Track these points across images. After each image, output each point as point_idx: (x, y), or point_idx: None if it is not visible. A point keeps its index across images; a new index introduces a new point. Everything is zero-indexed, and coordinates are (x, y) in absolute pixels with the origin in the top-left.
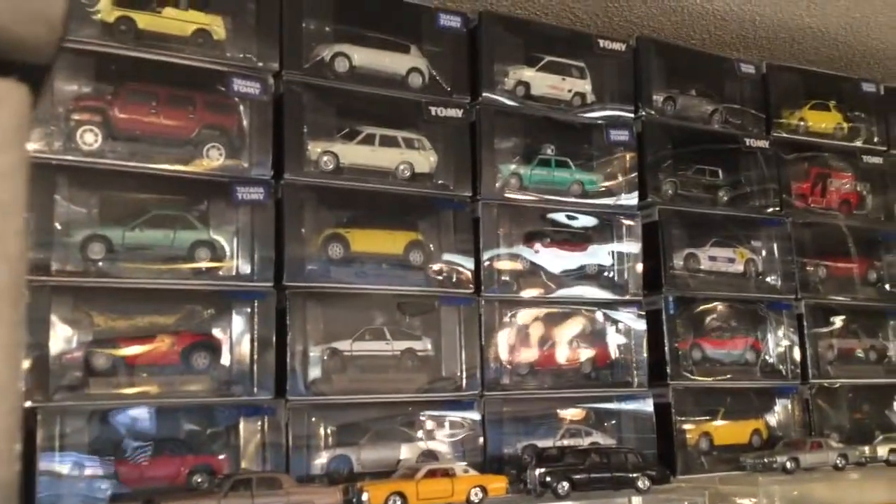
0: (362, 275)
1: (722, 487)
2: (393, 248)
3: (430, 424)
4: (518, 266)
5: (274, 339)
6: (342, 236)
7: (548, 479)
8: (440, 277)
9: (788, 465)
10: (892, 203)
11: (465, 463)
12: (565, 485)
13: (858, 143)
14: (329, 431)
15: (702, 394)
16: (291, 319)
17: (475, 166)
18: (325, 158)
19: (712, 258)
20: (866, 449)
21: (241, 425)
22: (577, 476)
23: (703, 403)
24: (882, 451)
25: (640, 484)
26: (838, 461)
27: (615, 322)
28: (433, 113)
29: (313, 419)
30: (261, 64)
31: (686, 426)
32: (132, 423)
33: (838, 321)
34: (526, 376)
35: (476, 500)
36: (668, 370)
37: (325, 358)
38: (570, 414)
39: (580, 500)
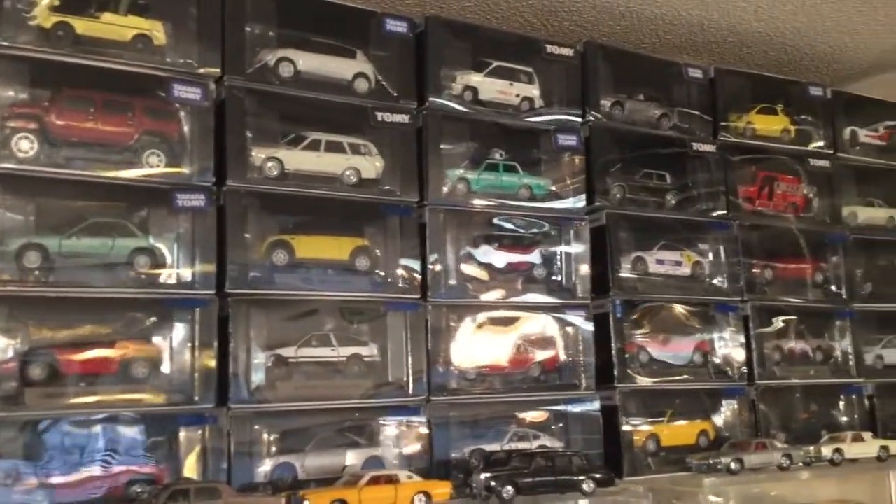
0: (308, 281)
1: (666, 489)
2: (339, 253)
3: (376, 430)
4: (465, 271)
5: (216, 346)
6: (287, 243)
7: (492, 483)
8: (387, 283)
9: (733, 465)
10: (838, 206)
11: (408, 470)
12: (510, 489)
13: (805, 147)
14: (273, 439)
15: (649, 396)
16: (234, 327)
17: (422, 171)
18: (269, 164)
19: (660, 261)
20: (811, 449)
21: (182, 434)
22: (522, 480)
23: (651, 405)
24: (826, 451)
25: (584, 486)
26: (783, 461)
27: (563, 325)
28: (379, 118)
29: (256, 427)
30: (202, 69)
31: (633, 428)
32: (69, 433)
33: (784, 322)
34: (474, 380)
35: None
36: (616, 373)
37: (270, 365)
38: (519, 417)
39: None
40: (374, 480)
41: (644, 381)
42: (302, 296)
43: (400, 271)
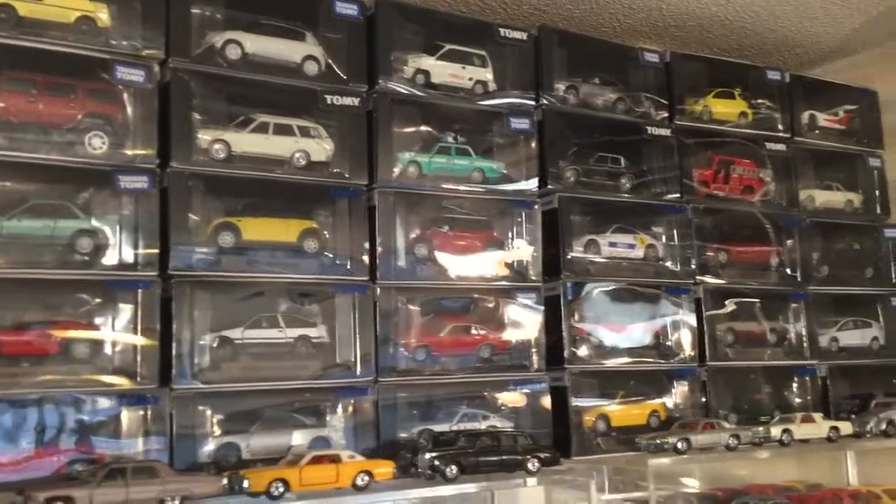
0: (255, 263)
1: (612, 468)
2: (287, 235)
3: (323, 411)
4: (416, 253)
5: (158, 328)
6: (233, 225)
7: (436, 462)
8: (335, 265)
9: (680, 445)
10: (795, 190)
11: (355, 450)
12: (454, 468)
13: (762, 131)
14: (218, 419)
15: (600, 377)
16: (177, 308)
17: (372, 155)
18: (216, 147)
19: (612, 244)
20: (760, 429)
21: (125, 414)
22: (466, 459)
23: (601, 386)
24: (775, 431)
25: (529, 465)
26: (730, 441)
27: (514, 307)
28: (329, 101)
29: (200, 407)
30: (146, 51)
31: (583, 409)
32: (10, 413)
33: (738, 305)
34: (423, 361)
35: (362, 485)
36: (566, 354)
37: (215, 346)
38: (469, 398)
39: (472, 483)
40: (316, 460)
41: (594, 363)
42: (248, 278)
43: (349, 253)
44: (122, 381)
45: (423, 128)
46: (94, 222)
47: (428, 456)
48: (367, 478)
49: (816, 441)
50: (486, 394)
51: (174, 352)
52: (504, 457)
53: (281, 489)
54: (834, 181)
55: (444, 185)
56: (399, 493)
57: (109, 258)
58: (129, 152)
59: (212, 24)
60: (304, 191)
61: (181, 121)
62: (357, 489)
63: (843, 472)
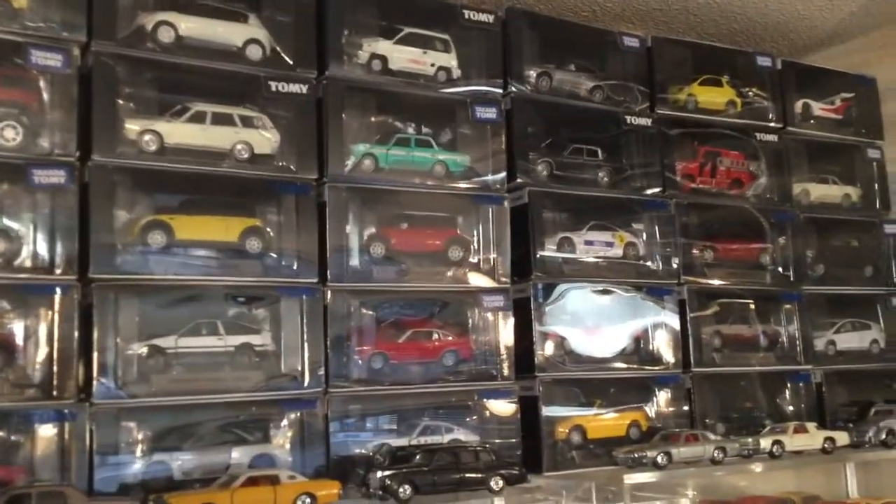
0: (188, 265)
1: (587, 484)
2: (226, 235)
3: (267, 426)
4: (371, 253)
5: (77, 336)
6: (164, 223)
7: (388, 482)
8: (281, 266)
9: (660, 459)
10: (787, 183)
11: (304, 468)
12: (407, 488)
13: (752, 121)
14: (145, 437)
15: (574, 385)
16: (99, 315)
17: (322, 146)
18: (146, 138)
19: (589, 242)
20: (750, 441)
21: (39, 432)
22: (421, 478)
23: (576, 396)
24: (765, 443)
25: (492, 484)
26: (716, 454)
27: (480, 311)
28: (274, 88)
29: (125, 423)
30: (66, 34)
31: (556, 420)
32: None
33: (725, 306)
34: (380, 370)
35: None
36: (537, 361)
37: (144, 356)
38: (431, 410)
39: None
40: (252, 481)
41: (568, 370)
42: (181, 281)
43: (296, 254)
44: (36, 396)
45: (380, 118)
46: (6, 221)
47: (380, 475)
48: (308, 500)
49: (811, 452)
50: (449, 405)
51: (95, 363)
52: (464, 475)
53: None
54: (830, 174)
55: (403, 180)
56: None
57: (23, 260)
58: (46, 144)
59: (142, 4)
60: (246, 186)
61: (105, 110)
62: None
63: (842, 482)
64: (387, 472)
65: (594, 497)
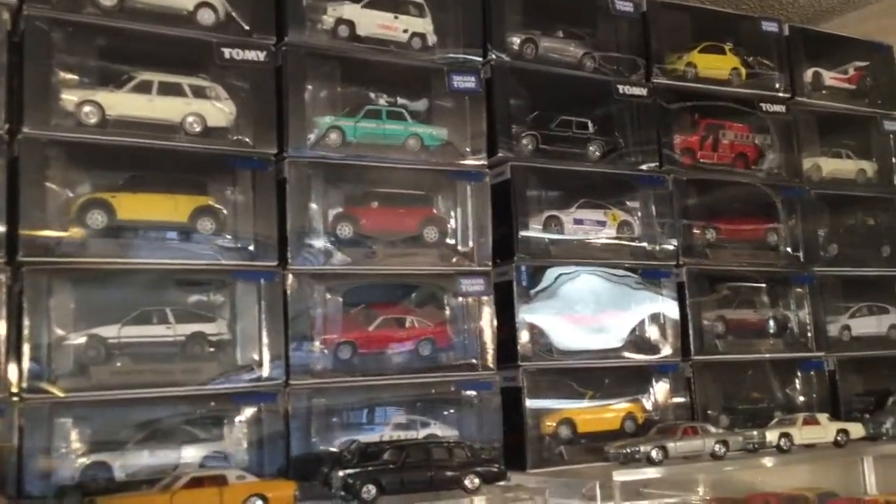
0: (132, 247)
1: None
2: (175, 214)
3: (222, 422)
4: (338, 234)
5: (5, 326)
6: (105, 202)
7: (350, 481)
8: (236, 249)
9: (654, 454)
10: (797, 158)
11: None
12: (371, 488)
13: (758, 91)
14: (83, 435)
15: (563, 376)
16: (30, 302)
17: (281, 119)
18: (85, 110)
19: (578, 221)
20: (755, 434)
21: None
22: (387, 477)
23: (566, 387)
24: (772, 436)
25: (467, 483)
26: (717, 448)
27: (459, 296)
28: (228, 56)
29: (60, 420)
30: None
31: (542, 413)
32: None
33: (729, 290)
34: (348, 361)
35: None
36: (520, 350)
37: (83, 347)
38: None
39: None
40: (196, 483)
41: (554, 360)
42: (123, 264)
43: (252, 235)
44: None
45: (348, 88)
46: None
47: (342, 473)
48: (259, 503)
49: (824, 446)
50: (426, 398)
51: (26, 354)
52: (436, 473)
53: None
54: (844, 148)
55: (373, 155)
56: None
57: None
58: None
59: None
60: (197, 162)
61: (38, 79)
62: None
63: (860, 477)
64: (349, 471)
65: (582, 496)
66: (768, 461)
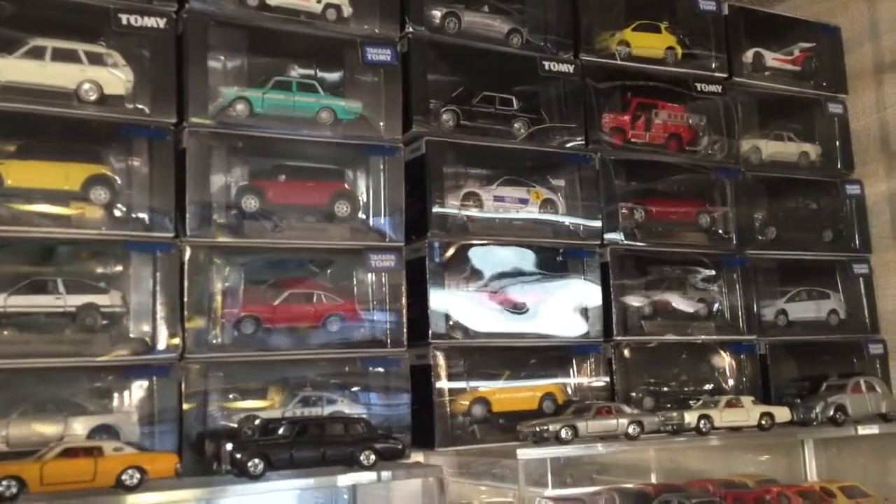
0: (20, 216)
1: (479, 461)
2: (66, 183)
3: (112, 395)
4: (243, 206)
5: None
6: None
7: (238, 455)
8: (130, 219)
9: (564, 433)
10: (734, 139)
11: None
12: (258, 462)
13: (693, 70)
14: None
15: (478, 354)
16: None
17: (181, 88)
18: None
19: (499, 199)
20: (674, 415)
21: None
22: (277, 453)
23: (480, 365)
24: (690, 417)
25: (363, 459)
26: (631, 429)
27: (369, 271)
28: (125, 22)
29: None
30: None
31: (454, 392)
32: None
33: (656, 271)
34: (252, 336)
35: (131, 484)
36: (431, 328)
37: None
38: (311, 379)
39: (286, 480)
40: (69, 453)
41: (467, 338)
42: (9, 232)
43: (148, 205)
44: None
45: (258, 59)
46: None
47: (229, 447)
48: (137, 475)
49: (748, 430)
50: (334, 374)
51: None
52: (330, 448)
53: (14, 489)
54: (787, 131)
55: (282, 127)
56: (180, 494)
57: None
58: None
59: None
60: (93, 130)
61: None
62: (125, 489)
63: (800, 461)
64: (237, 445)
65: (476, 473)
66: (704, 442)
